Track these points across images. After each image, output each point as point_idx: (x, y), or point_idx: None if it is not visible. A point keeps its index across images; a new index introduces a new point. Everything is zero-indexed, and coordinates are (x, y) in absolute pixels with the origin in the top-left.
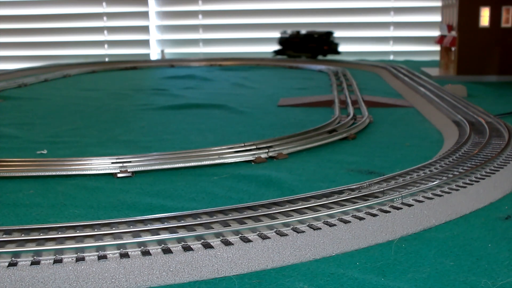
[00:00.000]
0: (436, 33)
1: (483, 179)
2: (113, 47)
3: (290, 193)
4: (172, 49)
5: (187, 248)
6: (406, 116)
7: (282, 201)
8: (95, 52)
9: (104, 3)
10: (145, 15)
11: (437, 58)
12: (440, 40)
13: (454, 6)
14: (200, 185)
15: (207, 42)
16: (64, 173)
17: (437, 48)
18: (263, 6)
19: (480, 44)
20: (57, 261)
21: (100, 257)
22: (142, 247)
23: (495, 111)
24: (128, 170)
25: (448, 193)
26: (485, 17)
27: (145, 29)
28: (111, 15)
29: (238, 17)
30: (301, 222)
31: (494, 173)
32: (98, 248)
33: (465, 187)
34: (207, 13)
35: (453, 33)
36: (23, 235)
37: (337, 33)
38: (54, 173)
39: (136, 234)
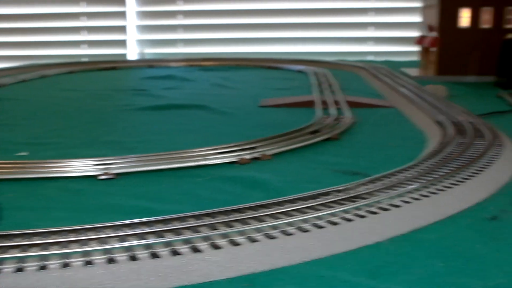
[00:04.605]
0: (415, 33)
1: (469, 179)
2: (92, 47)
3: (276, 195)
4: (152, 49)
5: (175, 253)
6: (388, 117)
7: (269, 203)
8: (73, 52)
9: (82, 3)
10: (124, 15)
11: (416, 58)
12: (420, 40)
13: (434, 7)
14: (184, 187)
15: (187, 42)
16: (46, 175)
17: (416, 48)
18: (243, 7)
19: (460, 45)
20: (42, 268)
21: (86, 263)
22: (129, 252)
23: (477, 111)
24: (111, 172)
25: (435, 193)
26: (465, 18)
27: (124, 29)
28: (89, 15)
29: (218, 17)
30: (289, 224)
31: (479, 173)
32: (84, 254)
33: (451, 187)
34: (187, 13)
35: (434, 33)
36: (5, 241)
37: (317, 34)
38: (35, 176)
39: (122, 238)
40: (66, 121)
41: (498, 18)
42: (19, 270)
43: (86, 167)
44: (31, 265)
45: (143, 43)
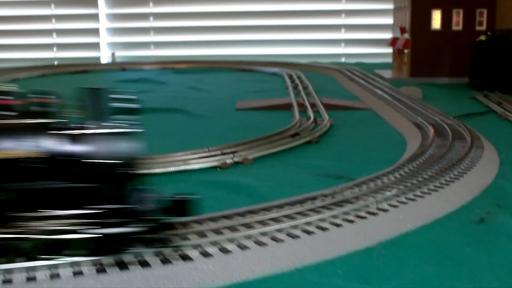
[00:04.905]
0: (387, 35)
1: (453, 182)
2: (63, 50)
3: (260, 199)
4: (123, 52)
5: (165, 261)
6: (365, 119)
7: (257, 208)
8: (44, 55)
9: (52, 5)
10: (95, 17)
11: (388, 60)
12: (392, 42)
13: (406, 8)
14: (167, 192)
15: (159, 44)
16: None
17: (389, 50)
18: (213, 9)
19: (432, 46)
20: (30, 279)
21: (76, 273)
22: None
23: (453, 113)
24: None
25: (421, 197)
26: (436, 19)
27: (95, 31)
28: (60, 18)
29: (189, 19)
30: (279, 230)
31: (462, 176)
32: (73, 263)
33: (436, 190)
34: (158, 16)
35: (406, 35)
36: None
37: (291, 36)
38: None
39: None
40: None
41: (470, 20)
42: (7, 281)
43: None
44: (19, 276)
45: (113, 45)
